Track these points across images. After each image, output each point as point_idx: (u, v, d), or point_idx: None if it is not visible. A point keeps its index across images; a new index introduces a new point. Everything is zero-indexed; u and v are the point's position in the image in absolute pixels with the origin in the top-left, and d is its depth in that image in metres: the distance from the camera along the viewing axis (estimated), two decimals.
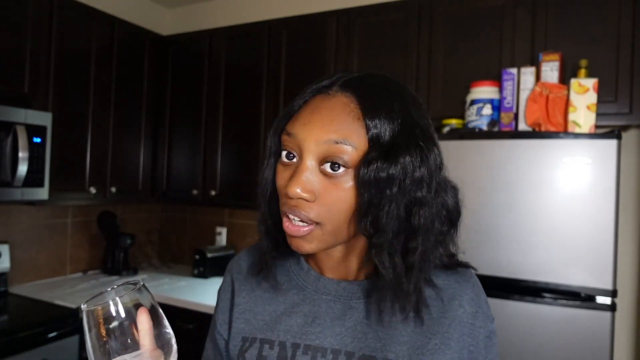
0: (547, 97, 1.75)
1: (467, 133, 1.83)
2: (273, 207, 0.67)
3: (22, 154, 2.08)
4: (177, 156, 2.91)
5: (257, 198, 0.69)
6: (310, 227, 0.60)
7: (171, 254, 3.32)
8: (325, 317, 0.67)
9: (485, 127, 1.91)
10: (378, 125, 0.59)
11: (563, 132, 1.66)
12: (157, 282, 2.71)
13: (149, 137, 2.90)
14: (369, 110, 0.59)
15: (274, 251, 0.70)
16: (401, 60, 2.23)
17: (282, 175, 0.62)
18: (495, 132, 1.88)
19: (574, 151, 1.57)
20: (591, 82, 1.68)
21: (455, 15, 2.12)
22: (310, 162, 0.60)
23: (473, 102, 1.94)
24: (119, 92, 2.68)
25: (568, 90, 1.72)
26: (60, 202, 2.41)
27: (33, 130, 2.14)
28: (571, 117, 1.69)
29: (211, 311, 2.30)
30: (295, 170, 0.60)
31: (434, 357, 0.62)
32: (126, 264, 2.88)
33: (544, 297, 1.60)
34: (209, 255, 2.85)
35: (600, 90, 1.76)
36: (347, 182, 0.59)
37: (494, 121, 1.91)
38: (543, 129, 1.76)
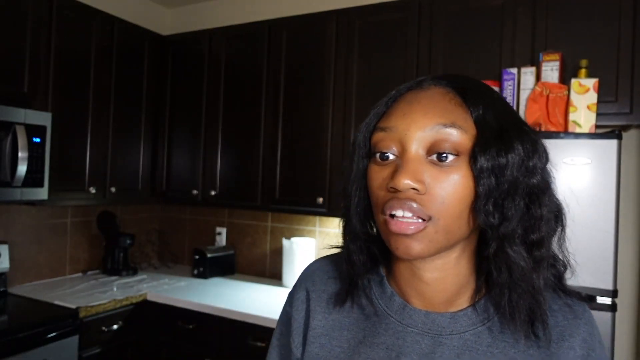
0: (548, 97, 1.75)
1: None
2: (365, 222, 0.62)
3: (22, 154, 2.07)
4: (177, 156, 2.91)
5: (344, 213, 0.63)
6: (422, 222, 0.54)
7: (171, 254, 3.32)
8: (411, 354, 0.60)
9: None
10: (482, 110, 0.56)
11: (563, 132, 1.66)
12: (157, 282, 2.71)
13: (149, 137, 2.90)
14: (469, 97, 0.57)
15: (366, 275, 0.64)
16: (401, 60, 2.23)
17: (378, 176, 0.57)
18: None
19: (574, 151, 1.57)
20: (591, 82, 1.68)
21: (456, 15, 2.12)
22: (416, 152, 0.55)
23: None
24: (119, 91, 2.68)
25: (568, 90, 1.71)
26: (59, 202, 2.40)
27: (32, 130, 2.13)
28: (571, 117, 1.69)
29: (211, 311, 2.30)
30: (400, 163, 0.55)
31: None
32: (126, 264, 2.87)
33: None
34: (209, 255, 2.85)
35: (601, 90, 1.75)
36: (460, 170, 0.54)
37: None
38: (543, 128, 1.75)
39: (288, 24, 2.56)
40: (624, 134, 2.08)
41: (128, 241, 2.83)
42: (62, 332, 2.06)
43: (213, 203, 2.78)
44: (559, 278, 0.62)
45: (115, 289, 2.52)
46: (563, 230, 0.60)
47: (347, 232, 0.64)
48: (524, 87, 1.84)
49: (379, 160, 0.58)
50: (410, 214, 0.54)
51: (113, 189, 2.64)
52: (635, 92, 1.79)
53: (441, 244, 0.56)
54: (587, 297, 1.54)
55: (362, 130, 0.61)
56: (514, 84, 1.87)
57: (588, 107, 1.67)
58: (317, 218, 2.78)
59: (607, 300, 1.53)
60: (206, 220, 3.20)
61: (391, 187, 0.55)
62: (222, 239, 3.11)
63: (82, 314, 2.16)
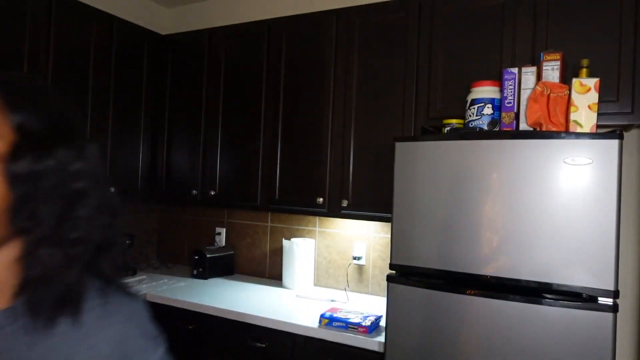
0: (548, 97, 1.74)
1: (468, 133, 1.82)
2: None
3: None
4: (176, 156, 2.90)
5: None
6: None
7: (170, 254, 3.31)
8: None
9: (486, 127, 1.90)
10: (23, 115, 0.57)
11: (564, 131, 1.65)
12: (156, 283, 2.70)
13: (148, 137, 2.89)
14: (10, 101, 0.57)
15: None
16: (401, 60, 2.22)
17: None
18: (496, 132, 1.87)
19: (575, 151, 1.56)
20: (592, 82, 1.67)
21: (456, 15, 2.11)
22: None
23: (474, 101, 1.93)
24: (118, 91, 2.67)
25: (569, 89, 1.71)
26: None
27: None
28: (572, 116, 1.68)
29: (211, 312, 2.29)
30: None
31: None
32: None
33: (545, 297, 1.59)
34: (209, 255, 2.84)
35: (602, 90, 1.75)
36: None
37: (494, 121, 1.90)
38: (544, 128, 1.75)
39: (288, 24, 2.55)
40: (625, 134, 2.07)
41: (127, 241, 2.82)
42: None
43: (212, 203, 2.77)
44: (115, 272, 0.66)
45: None
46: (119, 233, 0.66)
47: None
48: (524, 86, 1.84)
49: None
50: None
51: (112, 189, 2.63)
52: (637, 92, 1.79)
53: None
54: (589, 298, 1.54)
55: None
56: (514, 84, 1.86)
57: (589, 107, 1.67)
58: (317, 218, 2.78)
59: (609, 301, 1.52)
60: (205, 221, 3.20)
61: None
62: (221, 239, 3.10)
63: None
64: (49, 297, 0.58)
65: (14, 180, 0.55)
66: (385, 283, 2.33)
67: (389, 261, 1.85)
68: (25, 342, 0.59)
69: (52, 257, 0.58)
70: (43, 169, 0.56)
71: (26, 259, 0.58)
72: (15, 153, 0.55)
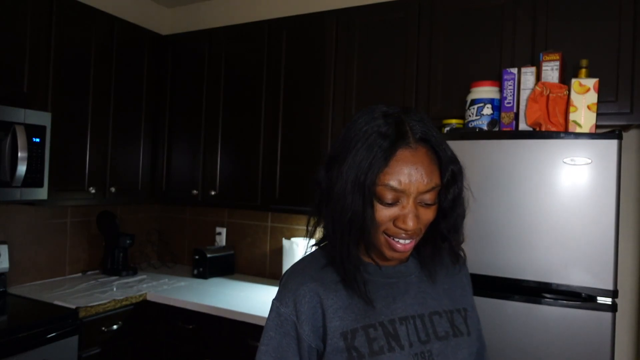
0: (548, 97, 1.74)
1: (468, 133, 1.82)
2: (354, 234, 0.82)
3: (21, 154, 2.07)
4: (177, 156, 2.91)
5: (333, 230, 0.84)
6: (415, 238, 0.84)
7: (171, 254, 3.32)
8: (398, 294, 0.87)
9: (485, 127, 1.90)
10: (446, 163, 0.82)
11: (563, 132, 1.66)
12: (156, 283, 2.70)
13: (149, 137, 2.90)
14: (441, 156, 0.82)
15: (356, 269, 0.85)
16: (401, 60, 2.23)
17: (387, 214, 0.80)
18: (496, 132, 1.88)
19: (574, 151, 1.57)
20: (592, 82, 1.67)
21: (456, 15, 2.12)
22: (414, 204, 0.80)
23: (473, 101, 1.93)
24: (119, 91, 2.67)
25: (569, 90, 1.71)
26: (59, 202, 2.40)
27: (32, 130, 2.13)
28: (572, 116, 1.69)
29: (211, 311, 2.30)
30: (405, 210, 0.80)
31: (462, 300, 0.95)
32: (126, 264, 2.87)
33: (544, 297, 1.59)
34: (209, 255, 2.85)
35: (601, 90, 1.75)
36: (435, 206, 0.83)
37: (494, 121, 1.91)
38: (543, 128, 1.75)
39: (288, 24, 2.55)
40: (624, 134, 2.08)
41: (128, 241, 2.83)
42: (61, 332, 2.05)
43: (213, 203, 2.78)
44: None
45: (115, 289, 2.52)
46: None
47: (340, 247, 0.84)
48: (524, 87, 1.84)
49: (384, 202, 0.80)
50: (409, 241, 0.83)
51: (113, 189, 2.64)
52: (636, 92, 1.79)
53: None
54: (588, 297, 1.55)
55: (361, 177, 0.78)
56: (514, 84, 1.86)
57: (588, 107, 1.67)
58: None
59: (608, 301, 1.53)
60: (206, 221, 3.20)
61: (402, 227, 0.80)
62: (221, 239, 3.10)
63: (81, 314, 2.15)
64: (432, 257, 0.91)
65: (445, 204, 0.83)
66: None
67: None
68: (426, 277, 0.92)
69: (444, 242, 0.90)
70: (458, 192, 0.84)
71: (444, 234, 0.87)
72: (446, 185, 0.82)
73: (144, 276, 2.85)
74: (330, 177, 0.84)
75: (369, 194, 0.79)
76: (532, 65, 1.89)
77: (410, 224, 0.79)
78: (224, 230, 3.11)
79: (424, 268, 0.92)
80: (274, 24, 2.59)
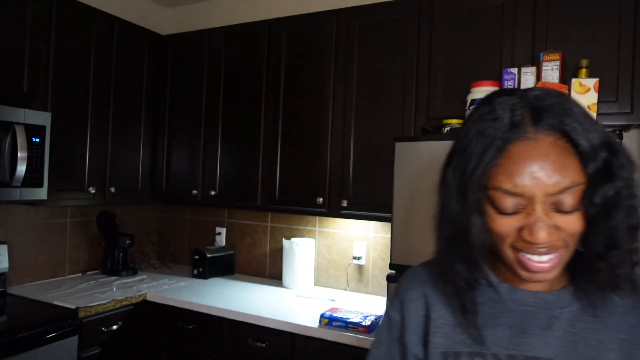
0: None
1: None
2: (461, 250, 0.68)
3: (21, 154, 2.07)
4: (177, 156, 2.90)
5: (439, 243, 0.71)
6: (556, 256, 0.63)
7: (171, 254, 3.31)
8: (533, 328, 0.68)
9: None
10: (590, 153, 0.60)
11: None
12: (156, 283, 2.70)
13: (149, 137, 2.90)
14: (578, 141, 0.60)
15: (473, 290, 0.71)
16: (401, 60, 2.22)
17: (507, 224, 0.63)
18: None
19: None
20: (592, 82, 1.67)
21: (456, 15, 2.12)
22: (544, 210, 0.61)
23: (473, 101, 1.93)
24: (118, 91, 2.67)
25: (569, 90, 1.71)
26: (59, 202, 2.40)
27: (32, 130, 2.13)
28: None
29: (211, 311, 2.29)
30: (531, 219, 0.61)
31: None
32: (125, 264, 2.87)
33: None
34: (209, 255, 2.85)
35: (601, 90, 1.75)
36: (580, 212, 0.62)
37: None
38: None
39: (288, 24, 2.55)
40: (625, 134, 2.07)
41: (128, 241, 2.83)
42: (61, 332, 2.05)
43: (213, 203, 2.78)
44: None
45: (114, 289, 2.52)
46: None
47: (458, 264, 0.70)
48: (524, 87, 1.84)
49: (502, 210, 0.63)
50: (545, 257, 0.62)
51: (113, 189, 2.64)
52: (636, 92, 1.79)
53: (565, 263, 0.65)
54: None
55: (469, 181, 0.64)
56: (514, 84, 1.87)
57: (588, 107, 1.67)
58: (317, 218, 2.78)
59: None
60: (206, 221, 3.20)
61: (529, 240, 0.61)
62: (221, 239, 3.10)
63: (81, 315, 2.15)
64: (604, 281, 0.66)
65: (592, 211, 0.60)
66: (385, 283, 2.34)
67: (389, 261, 1.85)
68: (589, 316, 0.68)
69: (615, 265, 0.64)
70: (614, 193, 0.60)
71: (590, 269, 0.66)
72: (593, 184, 0.60)
73: (144, 276, 2.85)
74: (440, 180, 0.70)
75: (474, 201, 0.64)
76: (532, 65, 1.89)
77: (541, 235, 0.60)
78: (223, 230, 3.11)
79: (584, 301, 0.68)
80: (274, 24, 2.59)
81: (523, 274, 0.64)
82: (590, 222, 0.61)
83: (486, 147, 0.62)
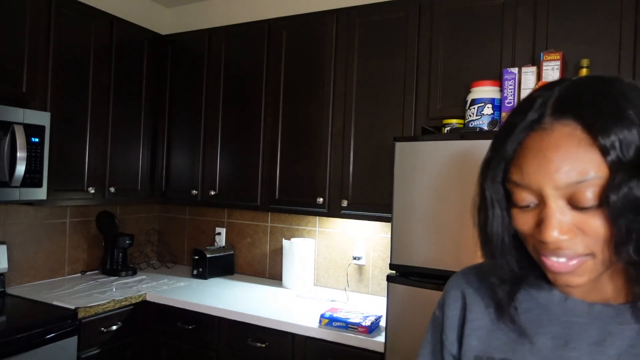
0: None
1: (468, 133, 1.82)
2: (512, 251, 0.64)
3: (20, 154, 2.07)
4: (176, 156, 2.90)
5: (488, 251, 0.66)
6: (581, 259, 0.56)
7: (170, 254, 3.31)
8: (579, 341, 0.62)
9: (486, 127, 1.90)
10: (616, 144, 0.52)
11: None
12: (156, 283, 2.70)
13: (148, 137, 2.89)
14: (599, 131, 0.53)
15: (517, 294, 0.67)
16: (401, 60, 2.22)
17: (523, 221, 0.60)
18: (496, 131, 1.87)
19: None
20: None
21: (456, 15, 2.11)
22: (555, 205, 0.56)
23: (474, 101, 1.93)
24: (118, 91, 2.67)
25: None
26: (58, 202, 2.39)
27: (31, 129, 2.13)
28: None
29: (211, 312, 2.29)
30: (542, 214, 0.57)
31: None
32: (125, 264, 2.87)
33: None
34: (209, 255, 2.84)
35: None
36: (599, 208, 0.54)
37: (494, 121, 1.90)
38: None
39: (288, 24, 2.55)
40: None
41: (127, 241, 2.82)
42: (61, 332, 2.05)
43: (212, 203, 2.77)
44: None
45: (114, 289, 2.52)
46: None
47: (497, 270, 0.66)
48: (524, 86, 1.84)
49: (517, 204, 0.60)
50: (564, 259, 0.57)
51: (112, 189, 2.63)
52: None
53: (601, 272, 0.58)
54: None
55: (491, 176, 0.62)
56: (514, 84, 1.86)
57: None
58: (317, 218, 2.78)
59: None
60: (205, 221, 3.19)
61: (539, 238, 0.57)
62: (221, 239, 3.10)
63: (81, 315, 2.15)
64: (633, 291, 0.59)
65: (614, 213, 0.52)
66: (385, 283, 2.33)
67: (389, 261, 1.85)
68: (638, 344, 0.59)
69: None
70: None
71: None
72: (613, 187, 0.52)
73: (144, 276, 2.85)
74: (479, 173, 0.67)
75: (496, 194, 0.62)
76: (533, 64, 1.89)
77: (549, 232, 0.55)
78: (223, 231, 3.11)
79: None
80: (274, 23, 2.59)
81: (549, 276, 0.60)
82: (614, 222, 0.54)
83: (510, 140, 0.60)
